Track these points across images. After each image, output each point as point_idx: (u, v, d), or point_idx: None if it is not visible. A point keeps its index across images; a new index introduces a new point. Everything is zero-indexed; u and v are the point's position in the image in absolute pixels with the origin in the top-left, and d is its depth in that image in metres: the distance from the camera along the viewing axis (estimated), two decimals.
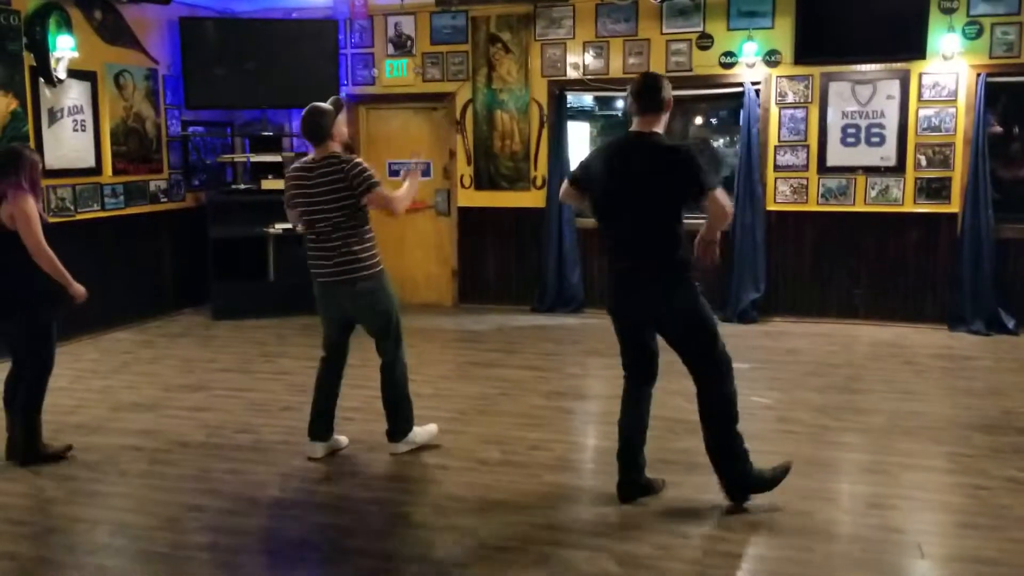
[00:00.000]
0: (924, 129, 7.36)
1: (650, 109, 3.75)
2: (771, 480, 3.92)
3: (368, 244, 4.38)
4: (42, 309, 4.42)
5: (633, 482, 3.98)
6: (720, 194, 3.72)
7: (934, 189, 7.40)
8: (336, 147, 4.36)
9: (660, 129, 3.79)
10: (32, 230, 4.26)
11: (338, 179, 4.25)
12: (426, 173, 8.52)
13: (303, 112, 4.35)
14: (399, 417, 4.58)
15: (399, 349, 4.54)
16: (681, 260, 3.77)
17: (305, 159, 4.43)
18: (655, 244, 3.77)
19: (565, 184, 4.07)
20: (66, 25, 6.88)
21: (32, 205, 4.30)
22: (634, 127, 3.82)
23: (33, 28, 6.67)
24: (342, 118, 4.39)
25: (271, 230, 8.23)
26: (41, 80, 6.81)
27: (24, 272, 4.30)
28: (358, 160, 4.33)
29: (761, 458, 4.24)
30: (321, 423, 4.56)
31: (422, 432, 4.67)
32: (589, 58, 8.06)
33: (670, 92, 3.79)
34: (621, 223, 3.83)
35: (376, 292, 4.40)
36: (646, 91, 3.76)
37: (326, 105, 4.37)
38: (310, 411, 4.58)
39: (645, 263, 3.80)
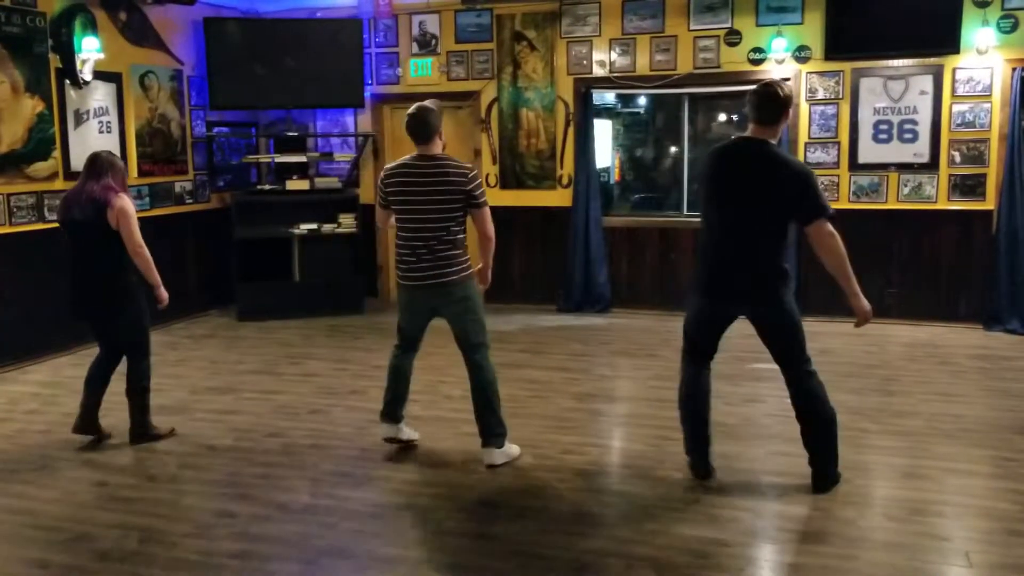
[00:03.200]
0: (958, 125, 7.22)
1: (769, 120, 3.88)
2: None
3: (465, 249, 4.40)
4: (141, 303, 4.76)
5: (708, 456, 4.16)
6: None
7: (969, 186, 7.26)
8: (440, 147, 4.35)
9: (774, 140, 3.92)
10: (134, 230, 4.60)
11: (458, 185, 4.24)
12: None
13: (411, 110, 4.32)
14: (495, 419, 4.43)
15: (487, 346, 4.46)
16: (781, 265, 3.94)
17: (409, 158, 4.36)
18: (758, 250, 3.88)
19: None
20: (91, 27, 6.88)
21: (132, 205, 4.66)
22: (750, 133, 3.93)
23: (59, 30, 6.66)
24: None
25: (296, 230, 8.22)
26: (67, 82, 6.82)
27: (123, 269, 4.66)
28: (477, 172, 4.32)
29: (799, 462, 4.18)
30: (397, 408, 4.60)
31: (514, 448, 4.55)
32: (615, 55, 7.97)
33: (789, 92, 3.93)
34: (725, 225, 3.93)
35: (472, 297, 4.40)
36: (754, 101, 3.88)
37: (432, 104, 4.35)
38: (384, 395, 4.60)
39: (741, 267, 3.91)
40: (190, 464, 4.54)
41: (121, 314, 4.72)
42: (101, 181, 4.62)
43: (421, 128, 4.29)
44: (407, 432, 4.68)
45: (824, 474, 4.05)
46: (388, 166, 4.47)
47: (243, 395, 5.75)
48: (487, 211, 4.35)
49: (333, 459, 4.57)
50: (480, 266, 4.53)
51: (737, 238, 3.90)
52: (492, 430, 4.42)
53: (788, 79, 7.50)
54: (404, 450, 4.67)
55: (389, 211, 4.43)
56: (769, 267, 3.90)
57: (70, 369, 6.35)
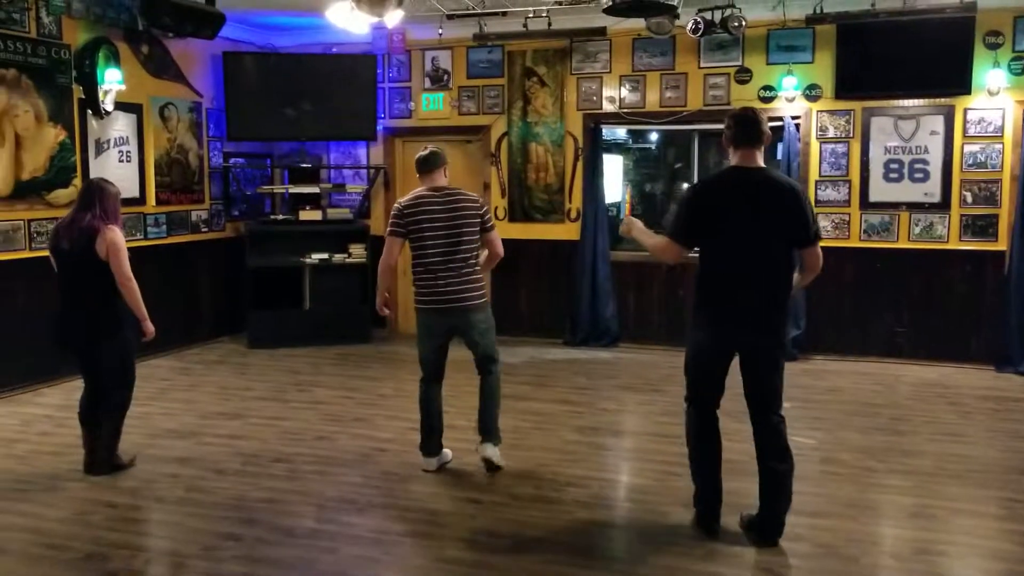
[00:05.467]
0: (969, 165, 7.25)
1: (752, 142, 3.80)
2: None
3: (481, 272, 4.78)
4: (127, 335, 4.69)
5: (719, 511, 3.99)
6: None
7: (980, 226, 7.27)
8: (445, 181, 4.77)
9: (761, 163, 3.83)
10: (122, 261, 4.54)
11: (474, 211, 4.68)
12: None
13: (425, 152, 4.75)
14: (496, 421, 4.84)
15: (499, 361, 4.89)
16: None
17: (424, 190, 4.70)
18: (774, 279, 3.79)
19: (668, 242, 3.91)
20: (114, 59, 7.03)
21: (121, 237, 4.60)
22: (738, 162, 3.82)
23: (82, 62, 6.82)
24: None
25: (307, 260, 8.31)
26: (89, 112, 6.96)
27: (110, 301, 4.60)
28: (485, 199, 4.68)
29: (805, 499, 4.17)
30: (434, 441, 4.83)
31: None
32: (625, 91, 8.07)
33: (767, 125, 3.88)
34: (739, 255, 3.77)
35: (490, 316, 4.81)
36: (747, 124, 3.80)
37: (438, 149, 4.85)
38: (421, 431, 4.84)
39: (760, 296, 3.79)
40: (197, 487, 4.57)
41: (104, 344, 4.63)
42: (92, 210, 4.56)
43: (434, 159, 4.72)
44: (447, 455, 4.92)
45: (781, 521, 3.85)
46: (406, 199, 4.73)
47: (251, 421, 5.79)
48: (497, 232, 4.83)
49: (337, 485, 4.59)
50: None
51: (752, 267, 3.76)
52: (497, 432, 4.82)
53: (799, 117, 7.58)
54: (404, 479, 4.68)
55: (404, 241, 4.66)
56: (784, 296, 3.84)
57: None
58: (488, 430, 4.80)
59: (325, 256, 8.35)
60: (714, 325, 3.86)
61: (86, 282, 4.58)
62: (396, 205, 4.72)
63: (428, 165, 4.70)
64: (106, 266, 4.54)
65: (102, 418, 4.71)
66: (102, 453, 4.70)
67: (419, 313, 4.74)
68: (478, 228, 4.69)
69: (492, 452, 4.76)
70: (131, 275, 4.58)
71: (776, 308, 3.83)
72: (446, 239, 4.61)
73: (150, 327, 4.70)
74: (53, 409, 6.04)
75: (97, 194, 4.62)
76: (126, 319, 4.67)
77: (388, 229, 4.71)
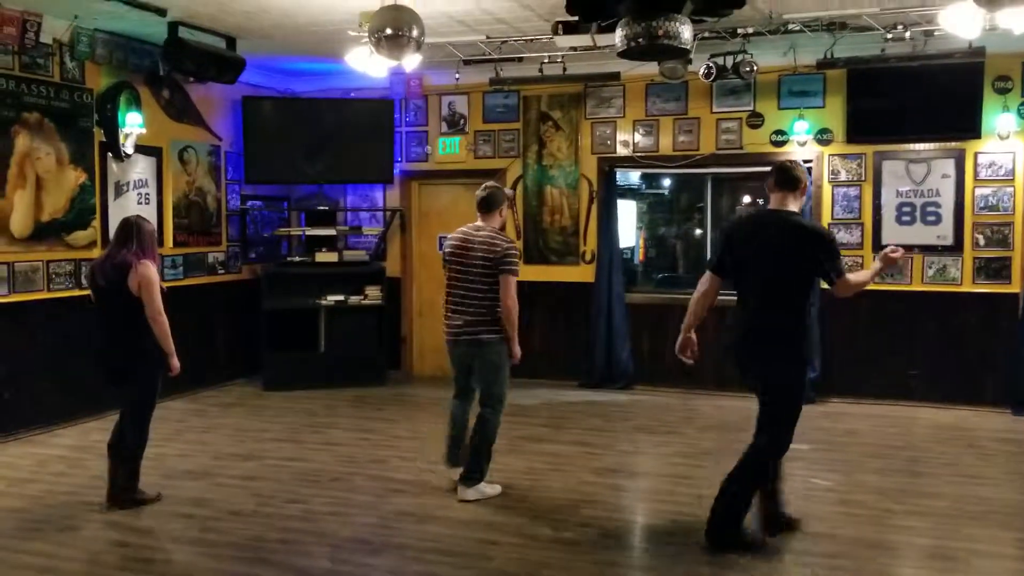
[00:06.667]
0: (981, 208, 7.28)
1: (784, 186, 4.27)
2: (746, 544, 4.18)
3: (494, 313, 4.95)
4: (156, 370, 4.80)
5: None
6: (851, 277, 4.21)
7: (994, 269, 7.27)
8: (499, 222, 5.11)
9: (795, 208, 4.29)
10: (154, 296, 4.68)
11: (489, 252, 4.91)
12: None
13: (490, 186, 5.15)
14: (477, 463, 4.97)
15: (500, 404, 5.02)
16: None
17: (472, 227, 5.05)
18: (778, 309, 4.15)
19: (710, 276, 4.38)
20: (136, 103, 7.17)
21: (155, 272, 4.75)
22: (772, 205, 4.33)
23: (104, 106, 6.95)
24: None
25: (323, 302, 8.36)
26: (109, 155, 7.07)
27: (143, 336, 4.71)
28: (513, 244, 5.04)
29: (823, 540, 4.13)
30: (456, 450, 5.13)
31: (490, 489, 5.03)
32: (639, 136, 8.16)
33: (804, 175, 4.37)
34: (753, 286, 4.24)
35: (501, 352, 4.96)
36: (779, 172, 4.33)
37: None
38: (447, 442, 5.17)
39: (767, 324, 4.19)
40: (212, 528, 4.56)
41: (135, 375, 4.77)
42: (128, 246, 4.72)
43: (486, 203, 5.08)
44: (497, 488, 5.08)
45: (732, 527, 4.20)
46: (454, 233, 5.12)
47: (266, 462, 5.79)
48: (509, 280, 4.92)
49: (352, 526, 4.58)
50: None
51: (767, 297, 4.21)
52: (469, 471, 4.96)
53: (810, 160, 7.64)
54: (421, 519, 4.67)
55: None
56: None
57: (98, 434, 6.42)
58: (464, 472, 4.99)
59: (341, 298, 8.40)
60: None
61: (120, 316, 4.72)
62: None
63: (484, 207, 5.07)
64: (139, 301, 4.66)
65: (120, 459, 4.81)
66: (123, 493, 4.79)
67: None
68: (492, 269, 4.87)
69: (463, 494, 4.94)
70: (162, 310, 4.69)
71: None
72: (460, 275, 4.95)
73: (176, 363, 4.81)
74: (68, 450, 6.06)
75: (133, 230, 4.76)
76: (157, 356, 4.77)
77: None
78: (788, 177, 4.27)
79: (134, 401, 4.81)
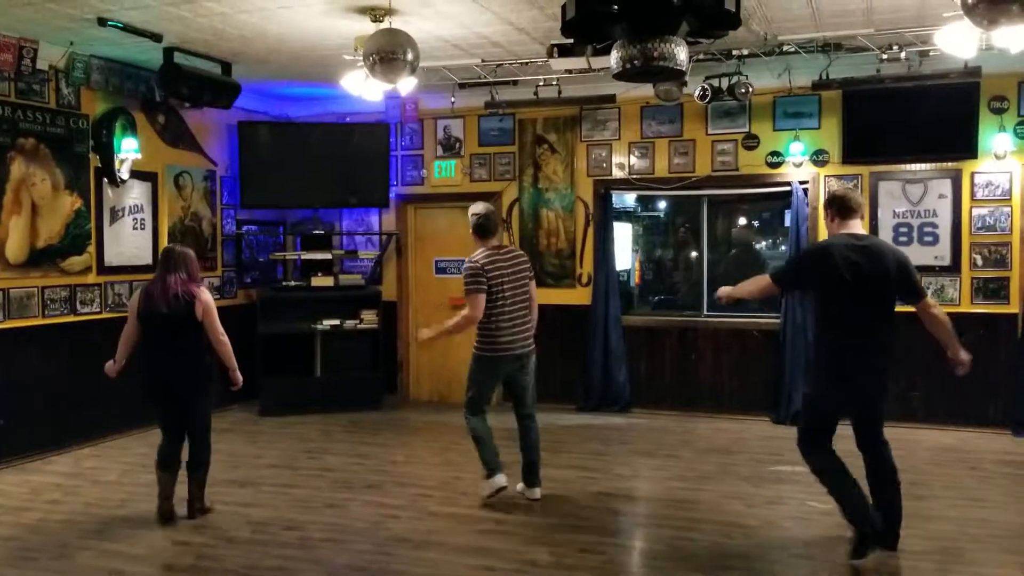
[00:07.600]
0: (978, 228, 7.27)
1: (858, 211, 4.54)
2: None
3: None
4: (214, 386, 5.16)
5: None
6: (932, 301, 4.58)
7: (992, 289, 7.26)
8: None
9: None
10: (216, 320, 5.01)
11: (527, 266, 5.42)
12: None
13: (485, 210, 5.38)
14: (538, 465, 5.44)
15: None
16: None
17: (488, 250, 5.30)
18: (886, 332, 4.59)
19: (769, 281, 4.56)
20: (131, 128, 7.17)
21: (212, 299, 5.06)
22: (848, 231, 4.48)
23: (100, 131, 6.95)
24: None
25: (319, 326, 8.32)
26: (105, 180, 7.06)
27: (205, 358, 5.05)
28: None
29: (821, 565, 4.07)
30: (497, 458, 5.34)
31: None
32: (634, 158, 8.16)
33: (859, 197, 4.67)
34: (858, 312, 4.50)
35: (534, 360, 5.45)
36: (846, 199, 4.54)
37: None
38: (486, 454, 5.28)
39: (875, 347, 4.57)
40: (207, 555, 4.50)
41: (204, 395, 5.09)
42: (179, 274, 4.97)
43: (493, 226, 5.39)
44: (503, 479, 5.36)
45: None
46: (481, 258, 5.24)
47: (261, 488, 5.73)
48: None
49: (348, 553, 4.52)
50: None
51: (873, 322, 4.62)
52: (539, 474, 5.43)
53: (806, 182, 7.64)
54: (417, 545, 4.61)
55: (483, 294, 5.20)
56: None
57: (92, 460, 6.38)
58: (532, 473, 5.40)
59: (337, 322, 8.37)
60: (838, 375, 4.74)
61: (185, 342, 4.97)
62: (473, 264, 5.21)
63: (489, 232, 5.34)
64: (200, 326, 4.96)
65: (192, 472, 5.07)
66: (198, 504, 5.09)
67: (486, 361, 5.27)
68: (531, 279, 5.46)
69: (536, 494, 5.39)
70: (223, 331, 5.04)
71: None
72: (513, 291, 5.27)
73: (239, 376, 5.14)
74: (63, 477, 5.99)
75: (181, 259, 5.04)
76: (214, 375, 5.09)
77: (472, 286, 5.17)
78: (858, 202, 4.56)
79: (201, 426, 5.09)
